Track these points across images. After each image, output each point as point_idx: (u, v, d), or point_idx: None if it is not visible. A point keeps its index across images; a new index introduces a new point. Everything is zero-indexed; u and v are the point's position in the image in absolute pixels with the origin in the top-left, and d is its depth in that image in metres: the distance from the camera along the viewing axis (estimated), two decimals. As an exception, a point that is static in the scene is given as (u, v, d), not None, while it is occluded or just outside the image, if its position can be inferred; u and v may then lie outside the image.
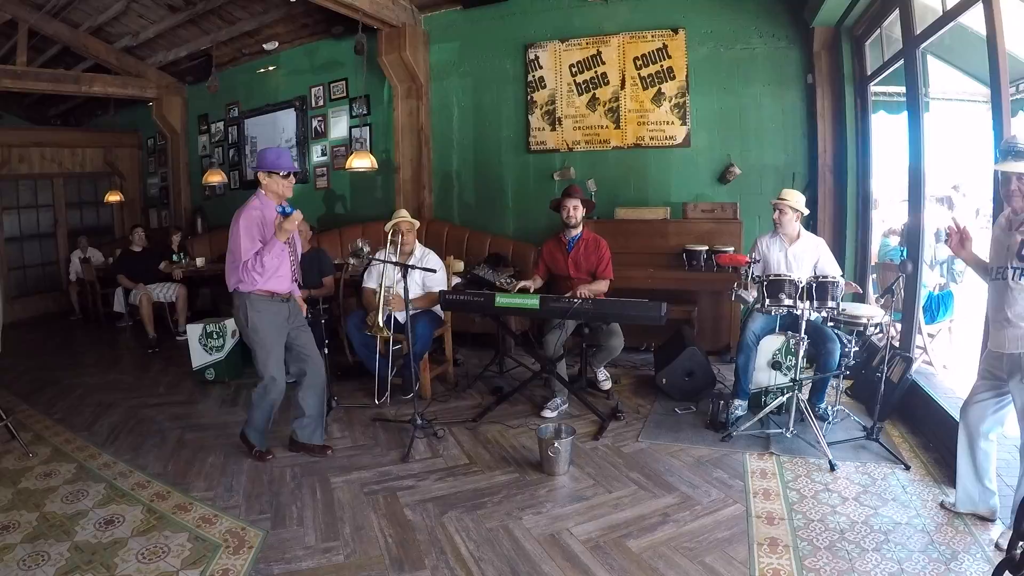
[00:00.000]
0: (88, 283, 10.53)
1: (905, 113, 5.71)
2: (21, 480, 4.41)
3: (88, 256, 10.62)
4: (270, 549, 3.50)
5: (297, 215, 4.29)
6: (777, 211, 5.29)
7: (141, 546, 3.51)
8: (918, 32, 5.31)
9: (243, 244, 4.25)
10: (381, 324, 5.37)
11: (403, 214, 5.97)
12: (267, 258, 4.24)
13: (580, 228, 5.93)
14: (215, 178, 10.05)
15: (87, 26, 9.30)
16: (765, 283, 4.81)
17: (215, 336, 6.63)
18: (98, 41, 9.76)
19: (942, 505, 3.78)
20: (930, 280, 6.75)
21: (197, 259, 9.41)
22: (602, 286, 5.80)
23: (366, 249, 7.38)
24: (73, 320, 11.09)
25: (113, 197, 11.40)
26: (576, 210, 5.85)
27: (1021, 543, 1.16)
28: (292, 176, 4.51)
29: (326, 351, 5.67)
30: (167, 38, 9.88)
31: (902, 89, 5.85)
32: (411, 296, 5.16)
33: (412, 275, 5.21)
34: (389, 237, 5.72)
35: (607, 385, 6.06)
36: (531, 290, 5.78)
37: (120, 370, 7.52)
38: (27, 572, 3.28)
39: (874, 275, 7.07)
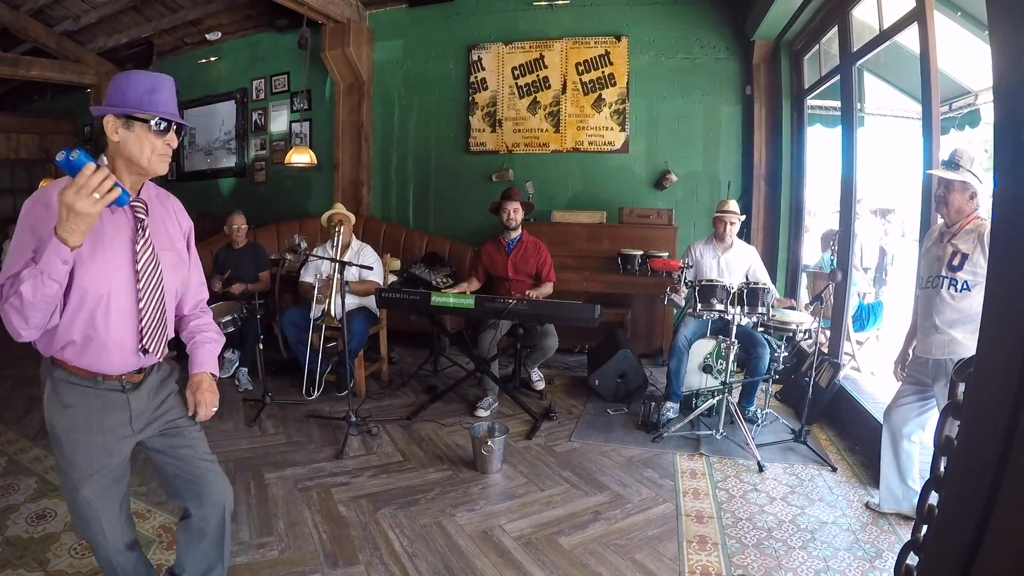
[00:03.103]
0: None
1: (840, 127, 5.87)
2: (-54, 474, 4.25)
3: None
4: (201, 544, 3.44)
5: (99, 170, 1.92)
6: (726, 224, 5.42)
7: (73, 540, 3.41)
8: (855, 49, 5.48)
9: (12, 251, 2.07)
10: (331, 314, 5.29)
11: (339, 207, 5.90)
12: (28, 284, 1.94)
13: (519, 230, 6.00)
14: (152, 169, 9.79)
15: (28, 7, 9.01)
16: (697, 288, 4.91)
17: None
18: (38, 24, 9.42)
19: (867, 505, 3.89)
20: (862, 289, 6.91)
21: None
22: (548, 288, 5.88)
23: (303, 245, 7.32)
24: (1, 311, 10.72)
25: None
26: (516, 212, 5.91)
27: (924, 526, 1.22)
28: (173, 130, 2.17)
29: (260, 347, 5.64)
30: (108, 23, 9.63)
31: (838, 103, 6.02)
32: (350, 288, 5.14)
33: (349, 270, 5.17)
34: (330, 230, 5.61)
35: (540, 385, 6.10)
36: (467, 293, 5.78)
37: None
38: (-46, 568, 3.17)
39: (805, 283, 7.24)
